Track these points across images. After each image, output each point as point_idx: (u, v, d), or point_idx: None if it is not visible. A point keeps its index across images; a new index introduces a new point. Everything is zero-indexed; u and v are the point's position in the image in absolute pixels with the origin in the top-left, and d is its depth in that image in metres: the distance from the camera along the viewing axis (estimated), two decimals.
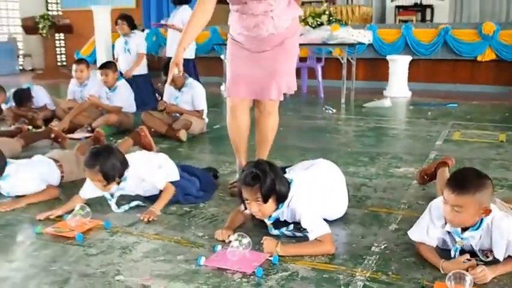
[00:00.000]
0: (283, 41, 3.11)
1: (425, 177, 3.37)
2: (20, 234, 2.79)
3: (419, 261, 2.33)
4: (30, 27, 12.23)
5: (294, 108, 6.94)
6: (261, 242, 2.43)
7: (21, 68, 14.64)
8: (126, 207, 3.08)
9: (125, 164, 3.08)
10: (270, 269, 2.29)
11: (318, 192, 2.69)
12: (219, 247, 2.47)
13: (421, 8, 11.99)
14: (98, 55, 11.78)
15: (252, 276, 2.22)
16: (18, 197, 3.32)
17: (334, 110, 6.60)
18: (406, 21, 11.44)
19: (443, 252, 2.32)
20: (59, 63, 14.42)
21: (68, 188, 3.48)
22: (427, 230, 2.34)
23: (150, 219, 2.89)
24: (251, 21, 3.04)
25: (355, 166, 3.97)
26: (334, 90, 7.84)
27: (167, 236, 2.69)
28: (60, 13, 14.77)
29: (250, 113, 3.34)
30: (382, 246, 2.51)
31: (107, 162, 2.97)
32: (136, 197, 3.18)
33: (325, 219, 2.59)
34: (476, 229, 2.22)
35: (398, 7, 12.18)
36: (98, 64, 11.24)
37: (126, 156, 3.17)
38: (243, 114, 3.29)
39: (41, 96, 6.12)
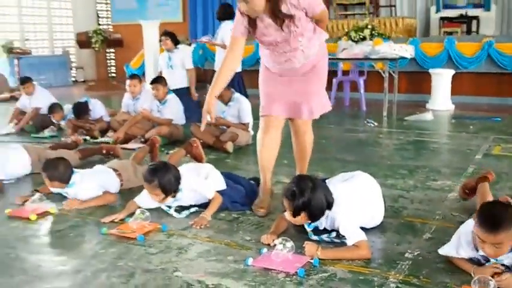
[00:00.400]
0: (314, 65, 3.31)
1: (467, 191, 3.47)
2: (88, 235, 3.13)
3: (450, 267, 2.52)
4: (83, 41, 12.86)
5: (336, 121, 7.16)
6: (303, 246, 2.68)
7: (74, 79, 15.32)
8: (187, 212, 3.39)
9: (179, 179, 3.39)
10: (311, 270, 2.54)
11: (355, 203, 2.92)
12: (264, 250, 2.74)
13: (466, 20, 11.88)
14: (147, 68, 12.27)
15: (294, 276, 2.48)
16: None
17: (376, 123, 6.78)
18: (450, 33, 11.44)
19: (473, 260, 2.50)
20: (109, 75, 15.04)
21: (126, 194, 3.82)
22: (457, 251, 2.49)
23: (202, 226, 3.18)
24: (282, 57, 3.25)
25: (393, 178, 4.17)
26: (376, 103, 8.00)
27: (218, 239, 2.98)
28: (110, 27, 15.42)
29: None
30: (415, 253, 2.72)
31: (165, 178, 3.29)
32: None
33: (362, 228, 2.83)
34: (511, 251, 2.34)
35: (442, 19, 12.13)
36: (147, 76, 11.78)
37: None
38: (275, 132, 3.43)
39: (97, 108, 6.56)
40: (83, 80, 15.55)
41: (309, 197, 2.72)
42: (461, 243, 2.48)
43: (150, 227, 3.14)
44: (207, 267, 2.61)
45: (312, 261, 2.60)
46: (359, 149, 5.46)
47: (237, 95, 5.63)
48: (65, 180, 3.69)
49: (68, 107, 6.80)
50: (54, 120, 6.67)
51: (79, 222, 3.35)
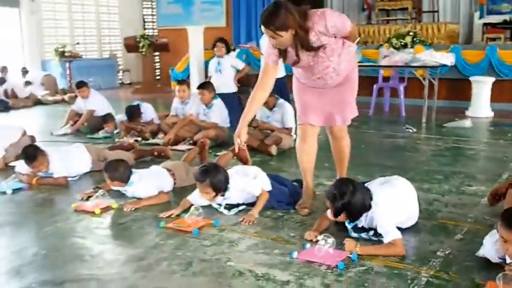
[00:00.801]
0: (346, 76, 3.51)
1: (497, 197, 3.67)
2: (148, 228, 3.47)
3: (478, 265, 2.76)
4: (131, 45, 13.36)
5: (376, 126, 7.38)
6: (343, 242, 2.96)
7: (120, 82, 15.91)
8: (236, 210, 3.71)
9: (227, 179, 3.70)
10: (350, 264, 2.82)
11: (393, 204, 3.17)
12: (308, 245, 3.03)
13: (510, 26, 11.89)
14: (191, 71, 12.71)
15: (334, 269, 2.77)
16: (138, 198, 4.04)
17: (415, 129, 6.95)
18: (493, 39, 11.45)
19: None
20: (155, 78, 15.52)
21: (178, 192, 4.16)
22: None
23: (250, 223, 3.49)
24: (315, 75, 3.46)
25: (430, 183, 4.39)
26: (416, 109, 8.14)
27: (265, 235, 3.28)
28: (156, 31, 15.94)
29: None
30: (447, 252, 2.96)
31: (215, 178, 3.61)
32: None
33: (398, 227, 3.08)
34: None
35: (486, 24, 12.11)
36: (191, 80, 12.18)
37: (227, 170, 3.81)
38: (312, 139, 3.69)
39: (148, 112, 6.97)
40: (129, 82, 16.12)
41: (348, 199, 2.99)
42: (486, 240, 2.72)
43: (204, 222, 3.46)
44: (256, 259, 2.92)
45: (351, 256, 2.87)
46: (397, 154, 5.68)
47: (281, 101, 5.94)
48: (125, 180, 4.05)
49: (119, 118, 7.23)
50: (107, 129, 7.08)
51: (138, 216, 3.71)
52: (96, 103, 7.46)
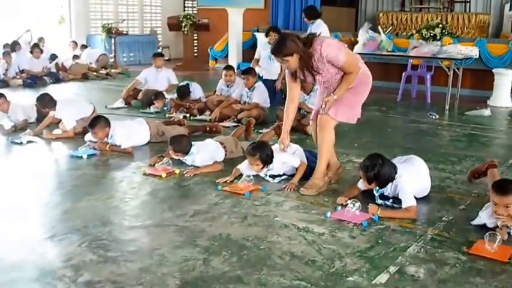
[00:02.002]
0: (352, 86, 4.17)
1: (476, 175, 4.46)
2: (208, 190, 4.27)
3: (473, 229, 3.48)
4: (174, 24, 14.10)
5: (403, 112, 8.06)
6: (367, 206, 3.72)
7: None
8: (279, 179, 4.48)
9: (273, 153, 4.46)
10: (372, 223, 3.59)
11: (412, 177, 3.90)
12: (339, 208, 3.80)
13: None
14: (230, 51, 13.45)
15: (359, 226, 3.53)
16: (195, 167, 4.82)
17: (437, 116, 7.60)
18: None
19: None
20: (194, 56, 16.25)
21: (229, 163, 4.93)
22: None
23: (292, 189, 4.26)
24: (324, 84, 4.25)
25: (444, 164, 5.10)
26: (441, 96, 8.68)
27: (304, 199, 4.06)
28: (195, 10, 16.63)
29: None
30: (450, 218, 3.70)
31: (264, 153, 4.37)
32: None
33: (414, 197, 3.82)
34: None
35: None
36: (229, 59, 12.88)
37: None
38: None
39: (197, 91, 7.78)
40: (167, 58, 16.88)
41: (378, 170, 3.73)
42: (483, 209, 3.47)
43: (253, 187, 4.24)
44: (298, 216, 3.70)
45: (373, 217, 3.63)
46: (419, 138, 6.38)
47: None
48: (186, 152, 4.85)
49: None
50: (157, 105, 7.83)
51: (198, 181, 4.51)
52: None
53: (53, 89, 9.59)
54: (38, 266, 2.96)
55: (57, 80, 11.12)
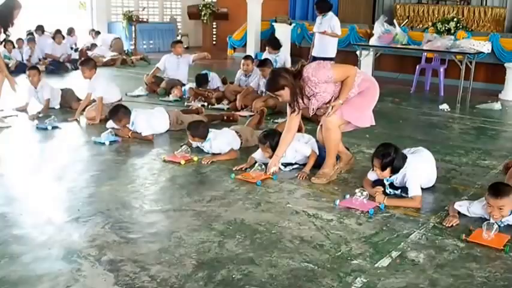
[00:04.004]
0: (358, 92, 4.40)
1: (508, 168, 4.57)
2: (224, 177, 4.51)
3: (474, 218, 3.67)
4: (194, 13, 14.36)
5: (415, 104, 8.24)
6: (375, 195, 3.94)
7: None
8: (291, 167, 4.71)
9: None
10: (378, 211, 3.81)
11: (420, 167, 4.09)
12: (347, 196, 4.02)
13: None
14: (248, 40, 13.64)
15: (366, 213, 3.76)
16: (212, 154, 5.06)
17: (449, 109, 7.76)
18: None
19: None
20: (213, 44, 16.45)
21: (245, 151, 5.16)
22: (468, 209, 3.69)
23: (303, 178, 4.49)
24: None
25: (451, 156, 5.29)
26: (453, 89, 8.74)
27: (315, 187, 4.29)
28: (215, 0, 16.82)
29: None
30: None
31: (274, 140, 4.60)
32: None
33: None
34: (510, 214, 3.49)
35: None
36: (248, 48, 13.05)
37: None
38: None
39: (215, 80, 8.01)
40: (186, 46, 17.11)
41: (393, 156, 3.93)
42: (474, 204, 3.66)
43: (265, 176, 4.46)
44: (308, 204, 3.94)
45: (380, 205, 3.85)
46: (429, 130, 6.56)
47: None
48: (203, 137, 5.09)
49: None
50: (176, 93, 8.05)
51: (215, 168, 4.76)
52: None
53: (74, 75, 9.87)
54: (65, 245, 3.20)
55: (77, 67, 11.38)
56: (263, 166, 4.54)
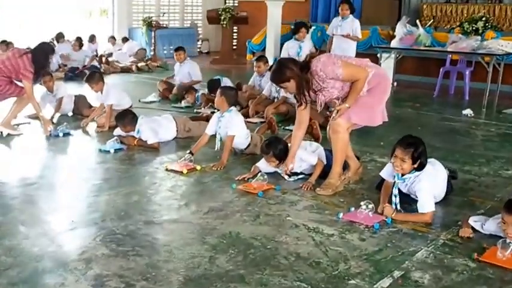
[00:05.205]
0: (368, 89, 4.15)
1: None
2: (225, 187, 4.30)
3: (489, 235, 3.37)
4: (213, 18, 14.19)
5: (437, 108, 7.88)
6: (383, 207, 3.66)
7: (199, 50, 16.81)
8: (295, 177, 4.47)
9: (286, 147, 4.45)
10: (384, 225, 3.54)
11: (432, 179, 3.79)
12: (352, 208, 3.76)
13: None
14: (267, 44, 13.44)
15: (371, 228, 3.49)
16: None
17: (473, 114, 7.40)
18: None
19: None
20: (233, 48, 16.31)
21: (251, 159, 4.95)
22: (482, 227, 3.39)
23: (308, 188, 4.25)
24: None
25: (471, 165, 4.97)
26: (480, 92, 8.36)
27: (319, 198, 4.05)
28: (236, 3, 16.67)
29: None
30: None
31: (277, 149, 4.38)
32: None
33: None
34: None
35: None
36: (267, 52, 12.86)
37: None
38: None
39: (227, 85, 7.78)
40: (207, 51, 17.03)
41: (418, 144, 3.67)
42: (489, 221, 3.35)
43: (267, 187, 4.23)
44: (310, 216, 3.69)
45: (386, 219, 3.58)
46: (449, 137, 6.22)
47: None
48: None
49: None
50: (189, 100, 7.96)
51: (217, 178, 4.55)
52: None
53: None
54: (54, 258, 3.05)
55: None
56: (265, 176, 4.31)
